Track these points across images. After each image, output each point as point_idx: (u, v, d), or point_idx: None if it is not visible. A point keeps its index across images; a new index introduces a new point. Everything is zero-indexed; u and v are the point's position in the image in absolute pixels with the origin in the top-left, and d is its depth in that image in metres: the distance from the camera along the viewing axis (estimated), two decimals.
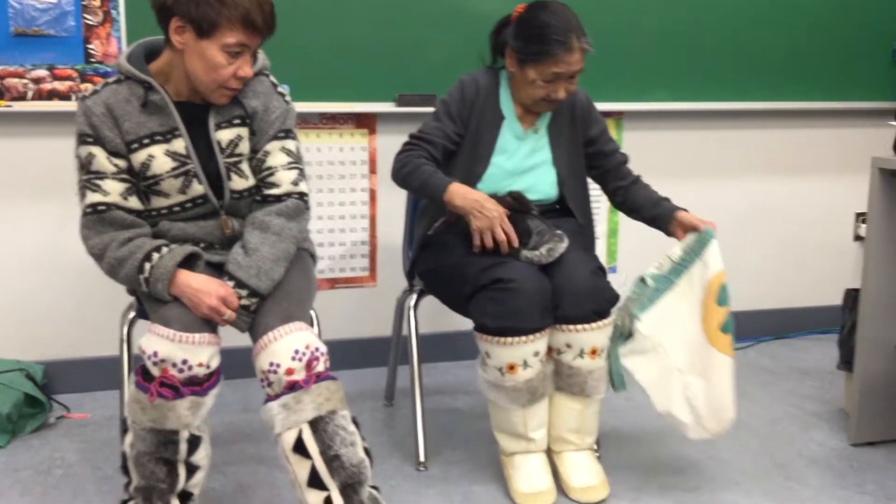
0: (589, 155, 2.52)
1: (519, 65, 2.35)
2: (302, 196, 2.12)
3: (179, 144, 2.03)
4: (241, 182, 2.09)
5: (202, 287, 1.95)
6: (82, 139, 2.01)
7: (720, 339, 2.21)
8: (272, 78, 2.15)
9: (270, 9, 1.97)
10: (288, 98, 2.16)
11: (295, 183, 2.11)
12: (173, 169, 2.03)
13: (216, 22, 1.91)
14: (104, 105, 2.00)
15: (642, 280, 2.29)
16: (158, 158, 2.02)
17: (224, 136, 2.07)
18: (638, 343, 2.28)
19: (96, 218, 2.00)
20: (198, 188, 2.05)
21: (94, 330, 3.01)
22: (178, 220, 2.08)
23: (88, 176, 2.01)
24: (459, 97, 2.41)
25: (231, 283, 1.99)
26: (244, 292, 1.99)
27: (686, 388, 2.23)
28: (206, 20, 1.91)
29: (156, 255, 1.97)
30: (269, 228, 2.05)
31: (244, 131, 2.09)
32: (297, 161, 2.14)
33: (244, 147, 2.09)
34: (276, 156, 2.11)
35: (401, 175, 2.34)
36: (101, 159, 2.00)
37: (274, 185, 2.10)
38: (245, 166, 2.10)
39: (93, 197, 2.00)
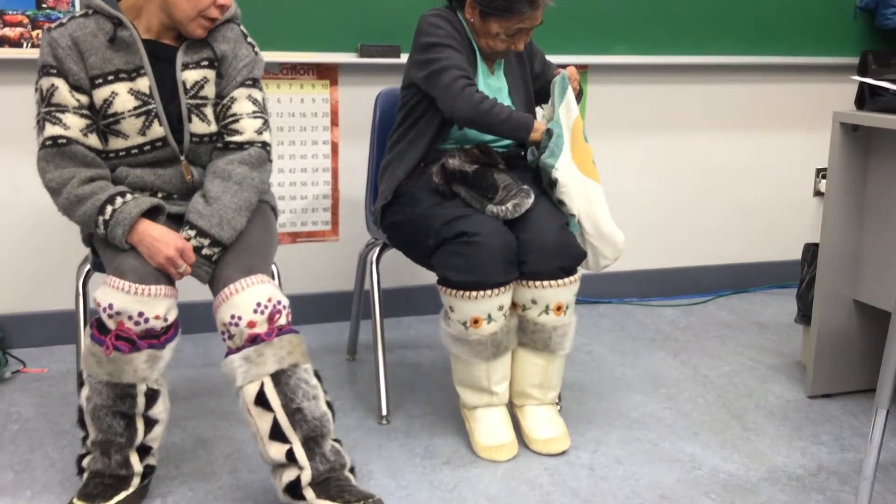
0: (539, 88, 2.54)
1: (481, 17, 2.31)
2: (265, 146, 2.08)
3: (143, 83, 2.00)
4: (202, 126, 2.05)
5: (161, 237, 1.91)
6: (45, 70, 1.97)
7: (594, 171, 2.34)
8: (242, 28, 2.14)
9: None
10: (257, 49, 2.14)
11: (259, 132, 2.08)
12: (135, 108, 1.99)
13: None
14: (70, 38, 1.96)
15: (548, 131, 2.27)
16: (121, 96, 1.98)
17: (190, 76, 2.04)
18: (559, 190, 2.30)
19: (56, 151, 1.95)
20: (158, 130, 2.02)
21: (50, 283, 2.95)
22: (137, 165, 2.04)
23: (49, 108, 1.97)
24: (451, 30, 2.34)
25: (193, 233, 1.95)
26: (206, 241, 1.95)
27: (583, 223, 2.31)
28: None
29: (119, 200, 1.93)
30: (231, 177, 2.02)
31: (211, 74, 2.06)
32: (262, 111, 2.11)
33: (209, 90, 2.06)
34: (241, 103, 2.08)
35: (481, 109, 2.22)
36: (64, 92, 1.96)
37: (237, 132, 2.06)
38: (209, 111, 2.06)
39: (53, 129, 1.96)
